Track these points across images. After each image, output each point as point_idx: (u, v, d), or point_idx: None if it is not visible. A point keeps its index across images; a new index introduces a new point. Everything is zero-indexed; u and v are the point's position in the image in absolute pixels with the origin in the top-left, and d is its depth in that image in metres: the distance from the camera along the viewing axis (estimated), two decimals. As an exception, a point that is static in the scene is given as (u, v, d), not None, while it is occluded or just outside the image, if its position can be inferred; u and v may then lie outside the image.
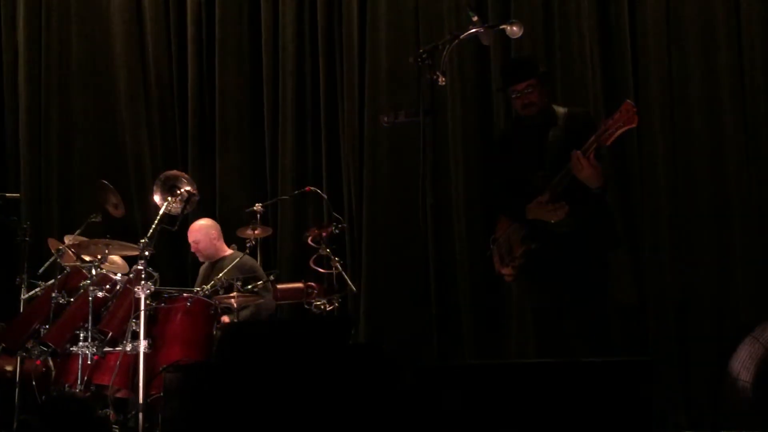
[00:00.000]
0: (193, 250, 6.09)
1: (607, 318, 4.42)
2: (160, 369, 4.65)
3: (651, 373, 3.15)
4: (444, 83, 3.83)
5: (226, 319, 5.40)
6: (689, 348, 5.20)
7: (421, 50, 3.86)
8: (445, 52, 3.83)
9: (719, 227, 5.25)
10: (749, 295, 5.12)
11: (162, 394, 4.33)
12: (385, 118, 4.20)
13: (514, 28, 4.09)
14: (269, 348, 3.87)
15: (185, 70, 6.74)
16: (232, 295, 5.20)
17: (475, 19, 3.91)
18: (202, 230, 6.03)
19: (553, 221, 4.22)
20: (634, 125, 4.03)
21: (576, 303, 4.30)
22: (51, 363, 5.10)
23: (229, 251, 6.04)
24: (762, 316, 4.65)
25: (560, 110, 4.44)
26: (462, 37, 3.93)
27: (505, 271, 4.49)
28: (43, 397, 4.88)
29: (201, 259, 6.11)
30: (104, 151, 6.83)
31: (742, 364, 3.87)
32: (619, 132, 4.03)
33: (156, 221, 5.08)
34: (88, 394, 4.75)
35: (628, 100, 4.09)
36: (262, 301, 5.55)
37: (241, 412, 3.52)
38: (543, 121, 4.38)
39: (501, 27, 4.14)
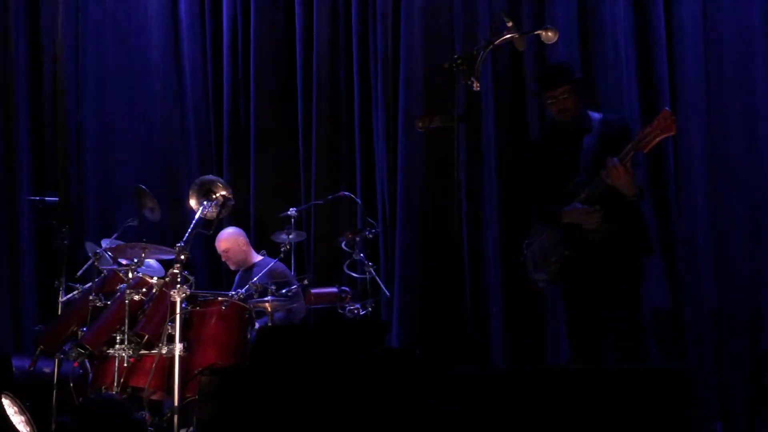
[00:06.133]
0: (223, 259, 6.16)
1: (642, 325, 4.39)
2: (196, 372, 4.68)
3: (691, 382, 3.12)
4: (478, 89, 3.83)
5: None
6: (726, 356, 5.14)
7: (455, 56, 3.86)
8: (479, 58, 3.82)
9: (756, 233, 5.19)
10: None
11: (197, 396, 4.36)
12: (420, 123, 4.21)
13: (549, 34, 4.08)
14: (303, 352, 3.89)
15: (221, 76, 6.80)
16: (266, 299, 5.23)
17: (509, 24, 3.91)
18: (231, 239, 6.12)
19: (588, 227, 4.20)
20: (672, 133, 4.04)
21: (610, 310, 4.29)
22: (88, 365, 5.16)
23: (258, 257, 6.08)
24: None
25: (595, 116, 4.43)
26: (497, 42, 3.92)
27: (539, 276, 4.48)
28: (80, 399, 4.93)
29: (232, 267, 6.17)
30: (141, 157, 6.89)
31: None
32: (657, 140, 4.03)
33: (192, 225, 5.12)
34: (124, 396, 4.78)
35: (666, 108, 4.08)
36: (295, 305, 5.57)
37: (274, 416, 3.54)
38: (578, 127, 4.37)
39: (536, 32, 4.13)
